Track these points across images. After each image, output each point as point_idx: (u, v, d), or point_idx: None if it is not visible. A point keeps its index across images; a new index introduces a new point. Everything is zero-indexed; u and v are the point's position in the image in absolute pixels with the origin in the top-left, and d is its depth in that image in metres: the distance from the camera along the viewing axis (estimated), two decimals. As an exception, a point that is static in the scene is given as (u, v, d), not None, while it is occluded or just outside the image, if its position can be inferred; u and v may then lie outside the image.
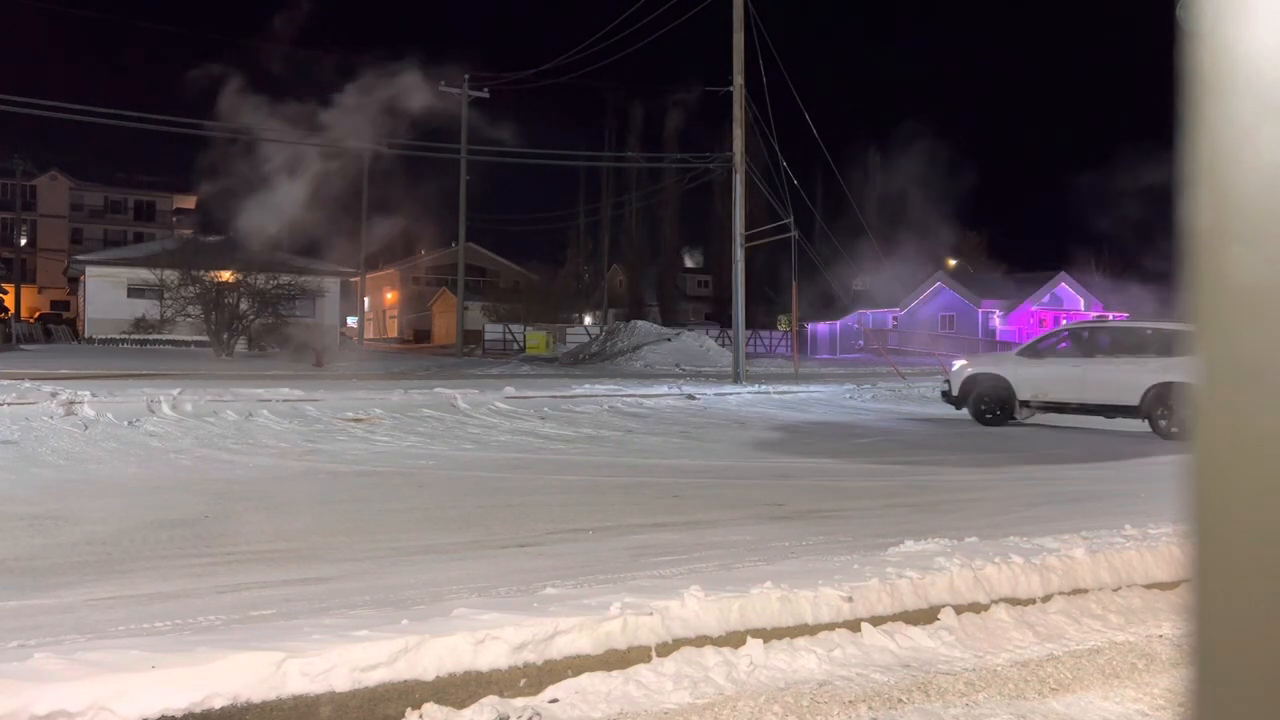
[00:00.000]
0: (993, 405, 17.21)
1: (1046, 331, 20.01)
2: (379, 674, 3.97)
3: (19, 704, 3.39)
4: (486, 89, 40.14)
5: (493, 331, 52.86)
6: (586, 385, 21.23)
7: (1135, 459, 13.07)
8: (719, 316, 57.81)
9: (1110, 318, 50.80)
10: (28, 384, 15.81)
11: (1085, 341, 17.25)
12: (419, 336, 69.00)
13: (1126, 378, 16.22)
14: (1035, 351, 17.43)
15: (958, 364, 18.28)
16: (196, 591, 5.71)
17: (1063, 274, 51.43)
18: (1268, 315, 0.61)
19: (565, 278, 60.55)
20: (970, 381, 17.49)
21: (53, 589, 5.69)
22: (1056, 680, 4.72)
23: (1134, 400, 16.21)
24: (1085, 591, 5.88)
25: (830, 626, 4.98)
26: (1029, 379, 17.00)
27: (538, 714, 4.09)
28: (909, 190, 66.17)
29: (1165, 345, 16.71)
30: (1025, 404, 17.08)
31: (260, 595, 5.62)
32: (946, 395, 18.18)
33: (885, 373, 27.85)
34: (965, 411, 17.83)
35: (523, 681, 4.23)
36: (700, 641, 4.66)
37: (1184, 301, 0.65)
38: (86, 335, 42.73)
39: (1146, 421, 16.37)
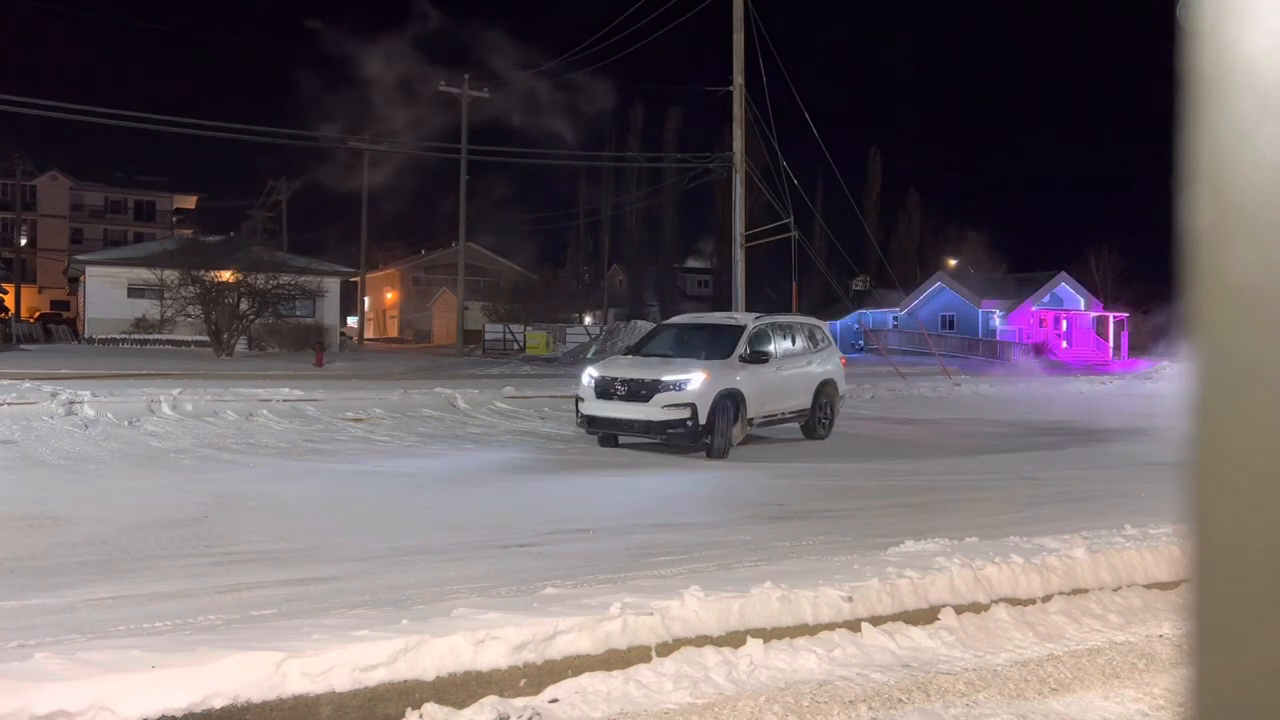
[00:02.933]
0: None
1: (734, 323, 14.41)
2: (379, 674, 3.97)
3: (19, 704, 3.39)
4: (486, 89, 40.13)
5: (493, 331, 52.86)
6: (586, 385, 21.19)
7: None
8: (719, 316, 57.50)
9: (1112, 316, 50.83)
10: (28, 384, 15.81)
11: (775, 340, 14.21)
12: (419, 336, 69.00)
13: (806, 379, 14.54)
14: (755, 353, 13.47)
15: (695, 378, 12.51)
16: (196, 591, 5.71)
17: (1063, 274, 51.41)
18: (1268, 315, 0.61)
19: (565, 278, 60.56)
20: (721, 401, 12.59)
21: (53, 589, 5.69)
22: (1057, 680, 4.72)
23: (808, 403, 14.50)
24: (1085, 591, 5.89)
25: (830, 626, 4.99)
26: (756, 392, 13.31)
27: (538, 714, 4.09)
28: (910, 190, 66.25)
29: (813, 340, 15.04)
30: (750, 421, 13.33)
31: (260, 595, 5.62)
32: (679, 428, 12.44)
33: (885, 372, 27.86)
34: (704, 445, 12.69)
35: (523, 681, 4.23)
36: (700, 641, 4.66)
37: (1184, 301, 0.65)
38: (86, 335, 42.69)
39: (803, 424, 14.65)
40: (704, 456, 12.60)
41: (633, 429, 12.92)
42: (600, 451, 13.16)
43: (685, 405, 12.39)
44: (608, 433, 13.34)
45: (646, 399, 12.55)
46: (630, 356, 13.93)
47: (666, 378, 12.59)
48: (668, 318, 13.62)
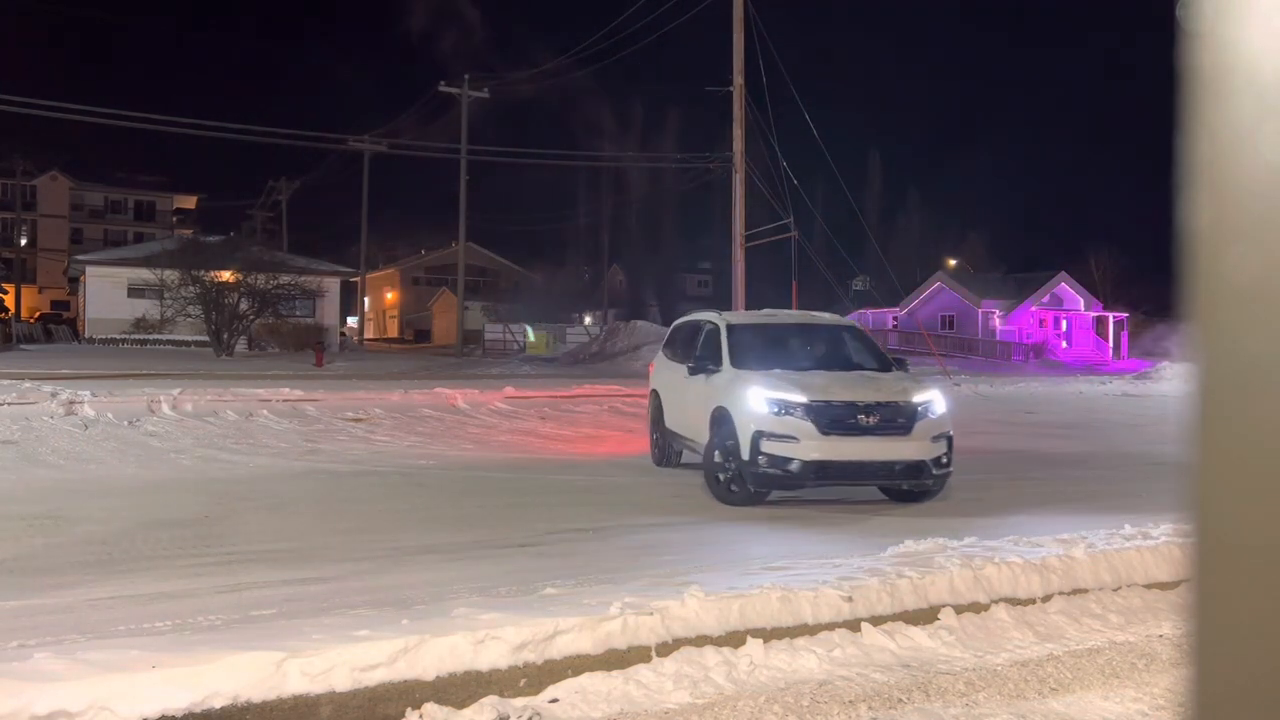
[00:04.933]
0: None
1: (841, 323, 11.62)
2: (379, 674, 3.97)
3: (19, 704, 3.39)
4: (486, 89, 40.15)
5: (493, 331, 52.91)
6: (586, 385, 21.22)
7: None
8: (719, 317, 57.44)
9: (1112, 316, 50.84)
10: (28, 384, 15.80)
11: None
12: (419, 336, 69.01)
13: None
14: (898, 361, 10.78)
15: (937, 398, 9.32)
16: (196, 591, 5.71)
17: (1063, 274, 51.42)
18: (1268, 315, 0.61)
19: (565, 278, 60.70)
20: None
21: (53, 589, 5.69)
22: (1056, 680, 4.72)
23: None
24: (1085, 591, 5.89)
25: (830, 626, 4.99)
26: None
27: (538, 714, 4.09)
28: (910, 190, 66.35)
29: None
30: None
31: (260, 595, 5.62)
32: (939, 467, 9.01)
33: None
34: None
35: (523, 681, 4.23)
36: (700, 641, 4.66)
37: (1185, 301, 0.65)
38: (87, 335, 42.72)
39: None
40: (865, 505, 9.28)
41: (884, 474, 9.07)
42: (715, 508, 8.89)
43: (943, 436, 9.04)
44: (837, 483, 9.19)
45: (906, 430, 8.91)
46: (782, 372, 9.44)
47: (917, 399, 9.09)
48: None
